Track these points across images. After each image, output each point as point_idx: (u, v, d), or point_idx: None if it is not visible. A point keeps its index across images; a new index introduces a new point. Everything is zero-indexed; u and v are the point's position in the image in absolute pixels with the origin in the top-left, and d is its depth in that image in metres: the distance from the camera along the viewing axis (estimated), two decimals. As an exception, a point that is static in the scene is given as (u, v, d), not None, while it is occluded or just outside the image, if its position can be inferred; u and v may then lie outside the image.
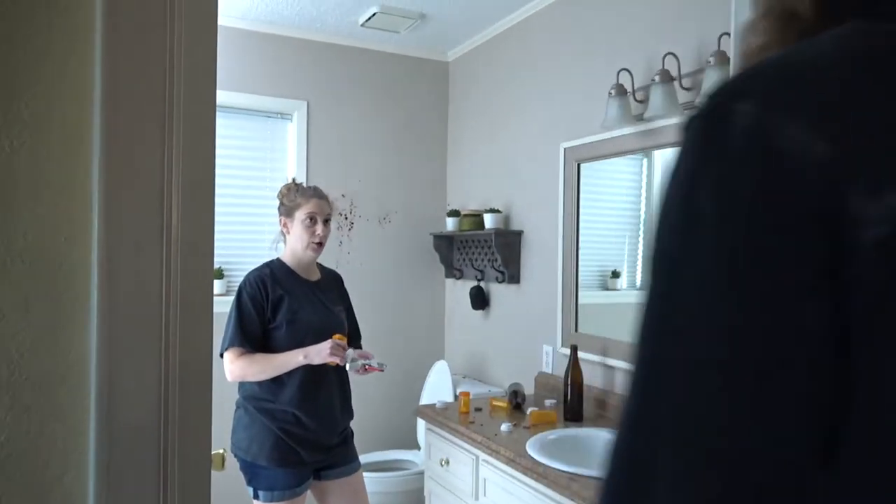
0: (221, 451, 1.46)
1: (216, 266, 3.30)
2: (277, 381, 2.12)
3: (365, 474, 2.45)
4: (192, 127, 0.57)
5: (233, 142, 3.39)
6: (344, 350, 2.13)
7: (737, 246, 0.33)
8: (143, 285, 0.59)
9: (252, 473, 2.13)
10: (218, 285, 3.28)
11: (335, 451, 2.24)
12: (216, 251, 2.87)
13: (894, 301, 0.31)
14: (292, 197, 2.24)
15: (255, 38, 3.40)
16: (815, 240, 0.32)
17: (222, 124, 3.34)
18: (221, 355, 2.12)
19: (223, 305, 3.19)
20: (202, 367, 0.60)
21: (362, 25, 3.36)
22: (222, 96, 3.27)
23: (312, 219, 2.21)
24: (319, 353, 2.09)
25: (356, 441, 2.37)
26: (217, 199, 2.81)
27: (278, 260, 2.27)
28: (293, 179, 2.36)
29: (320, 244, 2.24)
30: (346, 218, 3.61)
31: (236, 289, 2.20)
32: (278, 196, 2.31)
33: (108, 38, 0.61)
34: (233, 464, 2.03)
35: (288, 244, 2.27)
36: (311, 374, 2.14)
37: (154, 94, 0.57)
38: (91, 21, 0.63)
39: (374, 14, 3.19)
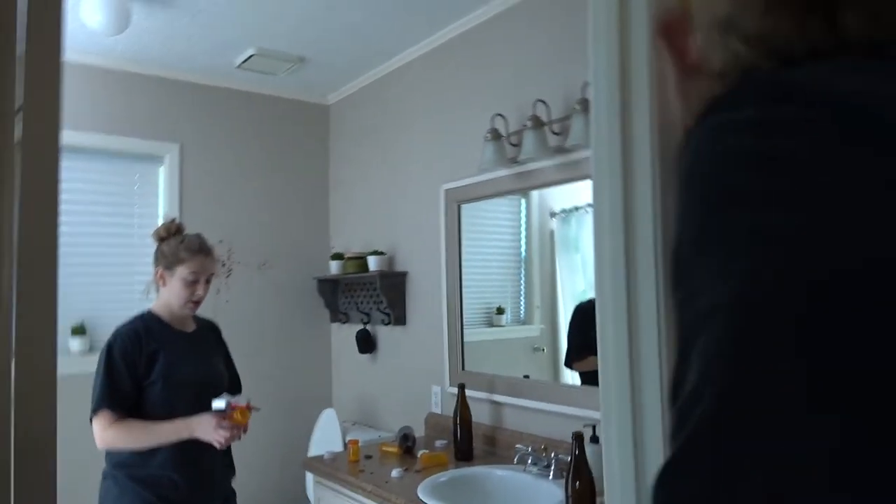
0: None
1: (78, 321, 3.03)
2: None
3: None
4: (31, 172, 0.52)
5: (98, 186, 3.17)
6: (234, 432, 1.98)
7: None
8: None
9: None
10: (79, 342, 3.01)
11: None
12: (77, 305, 2.62)
13: None
14: (175, 249, 2.07)
15: (122, 77, 3.23)
16: None
17: (86, 168, 3.12)
18: (91, 420, 1.92)
19: (86, 365, 2.93)
20: (43, 444, 0.53)
21: (238, 67, 3.29)
22: (86, 138, 3.07)
23: (195, 279, 2.07)
24: (206, 433, 1.94)
25: (239, 502, 2.23)
26: (80, 249, 2.59)
27: (150, 312, 2.11)
28: (174, 220, 2.18)
29: (198, 303, 2.11)
30: (224, 265, 3.45)
31: (104, 345, 2.01)
32: (155, 237, 2.13)
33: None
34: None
35: (162, 296, 2.11)
36: None
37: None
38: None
39: (250, 56, 3.14)
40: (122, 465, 1.95)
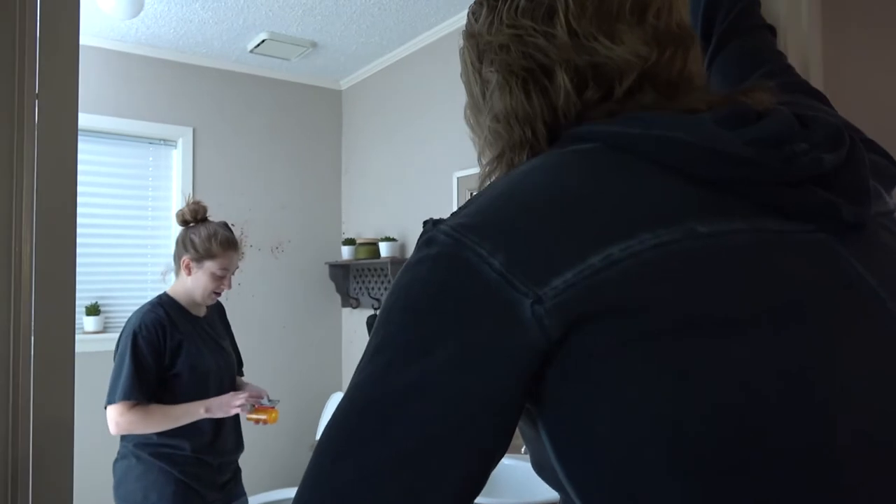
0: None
1: (92, 301, 3.07)
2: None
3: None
4: (48, 153, 0.53)
5: (112, 169, 3.20)
6: (245, 401, 2.04)
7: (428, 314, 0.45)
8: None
9: None
10: (94, 322, 3.04)
11: (227, 487, 2.13)
12: (92, 286, 2.63)
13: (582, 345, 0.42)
14: (207, 244, 2.03)
15: (135, 61, 3.24)
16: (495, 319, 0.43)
17: (101, 151, 3.14)
18: (106, 406, 1.92)
19: (98, 344, 2.97)
20: (62, 421, 0.54)
21: (251, 52, 3.29)
22: (101, 121, 3.08)
23: (223, 275, 2.05)
24: (222, 408, 1.97)
25: (247, 479, 2.26)
26: (94, 230, 2.58)
27: (167, 296, 2.08)
28: (199, 202, 2.12)
29: (219, 294, 2.10)
30: (237, 248, 3.47)
31: (125, 330, 1.98)
32: (179, 220, 2.09)
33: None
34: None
35: (184, 283, 2.08)
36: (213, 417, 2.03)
37: (2, 117, 0.52)
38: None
39: (263, 41, 3.14)
40: (146, 444, 1.96)
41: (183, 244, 2.07)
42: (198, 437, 1.99)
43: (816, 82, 0.89)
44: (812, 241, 0.45)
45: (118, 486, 1.98)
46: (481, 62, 0.57)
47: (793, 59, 0.84)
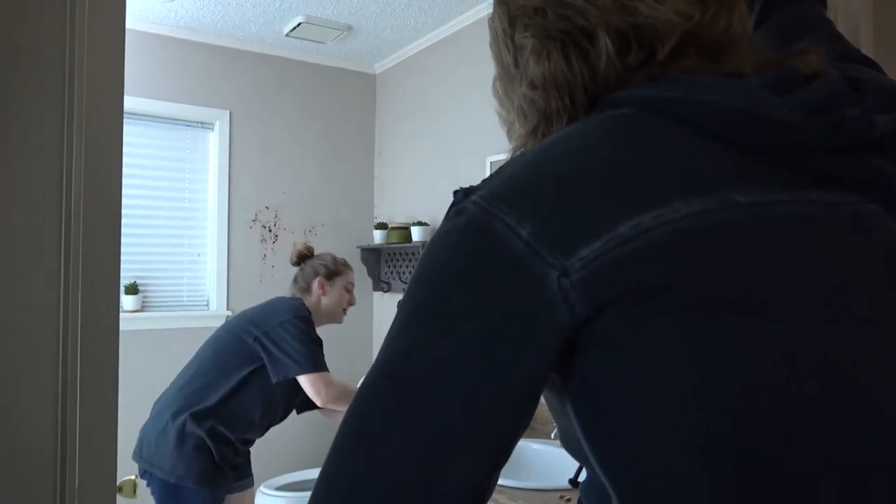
0: (133, 477, 1.38)
1: (130, 280, 3.14)
2: (249, 413, 2.11)
3: (280, 495, 2.44)
4: (96, 136, 0.54)
5: (150, 151, 3.25)
6: None
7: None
8: (37, 300, 0.54)
9: (174, 494, 2.02)
10: (132, 301, 3.11)
11: (239, 467, 2.23)
12: (131, 265, 2.70)
13: (609, 318, 0.40)
14: (333, 265, 2.36)
15: (174, 44, 3.28)
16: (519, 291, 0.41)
17: (139, 133, 3.20)
18: (308, 376, 2.13)
19: (137, 322, 3.05)
20: (106, 387, 0.56)
21: (287, 35, 3.31)
22: (140, 104, 3.14)
23: (350, 289, 2.38)
24: None
25: (274, 460, 2.33)
26: (132, 211, 2.65)
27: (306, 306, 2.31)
28: (305, 243, 2.46)
29: (345, 311, 2.39)
30: (271, 230, 3.51)
31: (287, 311, 2.19)
32: (295, 257, 2.42)
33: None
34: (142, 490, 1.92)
35: (320, 302, 2.32)
36: (271, 408, 2.18)
37: (53, 99, 0.53)
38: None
39: (299, 24, 3.15)
40: (211, 417, 2.04)
41: (313, 270, 2.35)
42: (251, 426, 2.13)
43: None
44: (861, 214, 0.43)
45: (156, 451, 2.03)
46: (513, 28, 0.55)
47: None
